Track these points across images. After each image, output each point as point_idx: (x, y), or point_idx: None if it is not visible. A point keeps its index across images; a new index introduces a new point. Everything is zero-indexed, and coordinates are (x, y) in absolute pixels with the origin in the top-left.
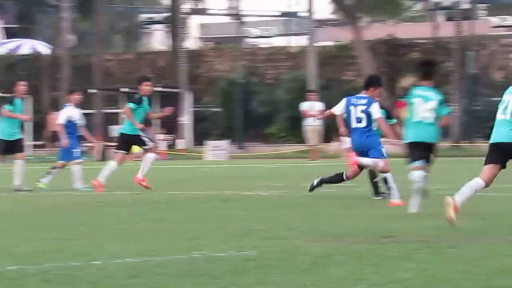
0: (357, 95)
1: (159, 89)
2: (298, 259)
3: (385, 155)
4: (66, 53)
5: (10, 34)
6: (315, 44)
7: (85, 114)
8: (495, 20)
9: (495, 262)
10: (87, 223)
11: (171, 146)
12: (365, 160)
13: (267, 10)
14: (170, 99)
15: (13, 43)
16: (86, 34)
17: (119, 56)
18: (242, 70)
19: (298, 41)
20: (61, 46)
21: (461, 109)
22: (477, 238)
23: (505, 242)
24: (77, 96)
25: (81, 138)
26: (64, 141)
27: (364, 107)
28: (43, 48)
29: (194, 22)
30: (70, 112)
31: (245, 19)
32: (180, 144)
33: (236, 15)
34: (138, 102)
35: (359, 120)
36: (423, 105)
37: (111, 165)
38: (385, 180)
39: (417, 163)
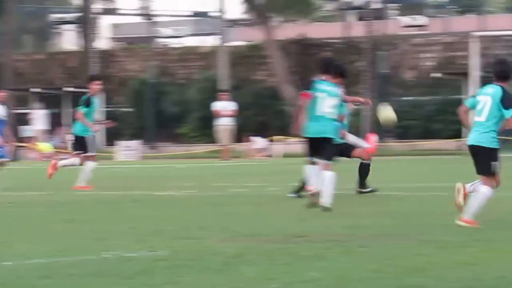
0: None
1: (71, 89)
2: (209, 259)
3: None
4: None
5: None
6: (227, 44)
7: None
8: (406, 19)
9: (406, 261)
10: None
11: None
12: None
13: (178, 10)
14: None
15: None
16: None
17: (30, 56)
18: (154, 70)
19: (209, 41)
20: None
21: (372, 109)
22: (388, 237)
23: (416, 241)
24: (2, 94)
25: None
26: None
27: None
28: None
29: (105, 22)
30: None
31: (156, 19)
32: None
33: (148, 15)
34: (88, 104)
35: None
36: (326, 101)
37: (89, 166)
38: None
39: (315, 159)
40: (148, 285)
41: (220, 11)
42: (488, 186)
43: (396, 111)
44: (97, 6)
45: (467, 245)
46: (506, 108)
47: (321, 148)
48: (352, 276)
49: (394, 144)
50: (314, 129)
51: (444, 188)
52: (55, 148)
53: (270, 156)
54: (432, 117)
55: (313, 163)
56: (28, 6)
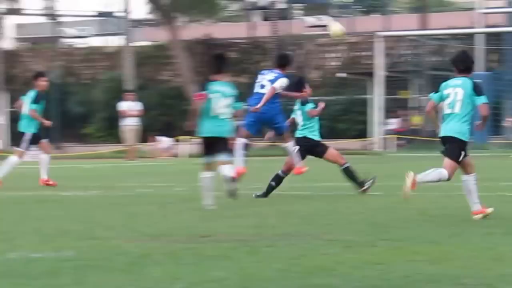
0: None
1: None
2: (115, 259)
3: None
4: None
5: None
6: (132, 44)
7: None
8: (311, 20)
9: (312, 260)
10: None
11: None
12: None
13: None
14: None
15: None
16: None
17: None
18: (59, 70)
19: (114, 41)
20: None
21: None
22: (294, 237)
23: (322, 241)
24: None
25: None
26: None
27: (272, 77)
28: None
29: (9, 22)
30: None
31: (61, 19)
32: None
33: (52, 15)
34: (38, 100)
35: (262, 87)
36: (220, 101)
37: (44, 159)
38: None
39: (208, 160)
40: (54, 285)
41: (125, 11)
42: (448, 171)
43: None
44: (1, 6)
45: (373, 244)
46: (478, 95)
47: (217, 148)
48: (258, 276)
49: None
50: (209, 129)
51: (349, 188)
52: None
53: (175, 156)
54: (338, 117)
55: (209, 168)
56: None
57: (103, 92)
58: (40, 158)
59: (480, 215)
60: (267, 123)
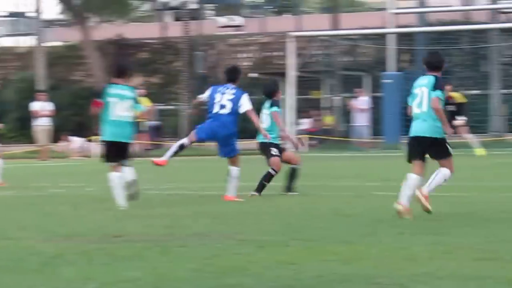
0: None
1: None
2: (28, 260)
3: (238, 150)
4: None
5: None
6: (44, 44)
7: None
8: (223, 20)
9: (225, 260)
10: None
11: None
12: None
13: None
14: None
15: None
16: None
17: None
18: None
19: (26, 42)
20: None
21: (190, 108)
22: (207, 237)
23: (235, 241)
24: None
25: None
26: None
27: (232, 96)
28: None
29: None
30: None
31: None
32: None
33: None
34: None
35: (222, 107)
36: (119, 104)
37: None
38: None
39: (114, 163)
40: None
41: (37, 11)
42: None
43: None
44: None
45: (286, 244)
46: (434, 90)
47: (119, 152)
48: (171, 276)
49: (213, 144)
50: (110, 133)
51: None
52: None
53: (88, 156)
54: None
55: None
56: None
57: (15, 92)
58: None
59: (423, 200)
60: (220, 141)
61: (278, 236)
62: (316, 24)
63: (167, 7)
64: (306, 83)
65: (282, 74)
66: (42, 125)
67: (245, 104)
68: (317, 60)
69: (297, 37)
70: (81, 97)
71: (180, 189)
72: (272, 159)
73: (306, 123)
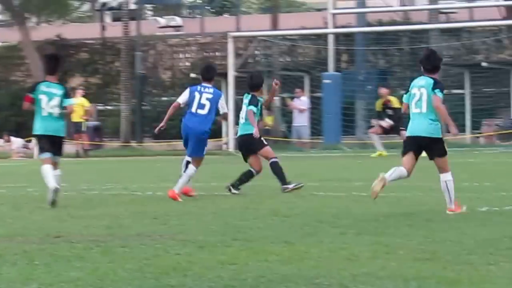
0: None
1: None
2: None
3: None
4: None
5: None
6: None
7: None
8: (162, 20)
9: (166, 261)
10: None
11: None
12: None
13: None
14: None
15: None
16: None
17: None
18: None
19: None
20: None
21: (130, 109)
22: (148, 237)
23: (176, 241)
24: None
25: None
26: None
27: (210, 96)
28: None
29: None
30: None
31: None
32: None
33: None
34: None
35: (201, 107)
36: (49, 101)
37: None
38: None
39: (45, 155)
40: None
41: None
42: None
43: (152, 111)
44: None
45: (226, 244)
46: (433, 90)
47: (52, 146)
48: (112, 276)
49: (153, 144)
50: (40, 127)
51: (202, 188)
52: None
53: (28, 156)
54: None
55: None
56: None
57: None
58: None
59: (453, 212)
60: (193, 139)
61: (218, 236)
62: (256, 24)
63: (106, 8)
64: (246, 83)
65: (223, 75)
66: None
67: (224, 107)
68: (257, 61)
69: (237, 37)
70: (21, 97)
71: (121, 189)
72: (265, 148)
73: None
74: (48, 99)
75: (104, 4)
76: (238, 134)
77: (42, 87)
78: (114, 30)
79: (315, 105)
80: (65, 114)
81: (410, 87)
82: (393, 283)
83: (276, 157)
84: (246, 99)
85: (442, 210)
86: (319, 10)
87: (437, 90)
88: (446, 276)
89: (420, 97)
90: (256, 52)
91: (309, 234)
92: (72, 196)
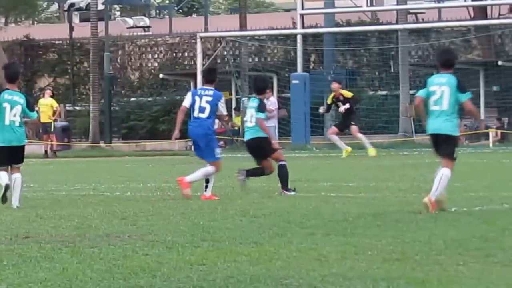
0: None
1: None
2: None
3: (218, 155)
4: None
5: None
6: None
7: None
8: (131, 21)
9: (134, 261)
10: None
11: None
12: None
13: None
14: None
15: None
16: None
17: None
18: None
19: None
20: None
21: (99, 109)
22: (116, 238)
23: (144, 242)
24: None
25: None
26: None
27: (209, 98)
28: None
29: None
30: None
31: None
32: None
33: None
34: None
35: (201, 110)
36: (11, 110)
37: None
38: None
39: (4, 166)
40: None
41: None
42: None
43: (121, 111)
44: None
45: (195, 245)
46: (462, 92)
47: (11, 157)
48: (81, 277)
49: (122, 145)
50: (6, 140)
51: (170, 189)
52: None
53: None
54: (158, 117)
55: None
56: None
57: None
58: None
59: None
60: (199, 143)
61: (187, 237)
62: (224, 25)
63: (74, 8)
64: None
65: (191, 75)
66: None
67: (223, 109)
68: (226, 61)
69: (205, 37)
70: None
71: (89, 190)
72: (277, 152)
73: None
74: (11, 108)
75: (72, 5)
76: (247, 138)
77: (6, 95)
78: (83, 31)
79: (283, 105)
80: (32, 124)
81: (428, 84)
82: (362, 283)
83: (285, 160)
84: (253, 102)
85: (411, 211)
86: (287, 10)
87: (467, 94)
88: (415, 277)
89: (441, 95)
90: (225, 52)
91: (278, 234)
92: (41, 197)
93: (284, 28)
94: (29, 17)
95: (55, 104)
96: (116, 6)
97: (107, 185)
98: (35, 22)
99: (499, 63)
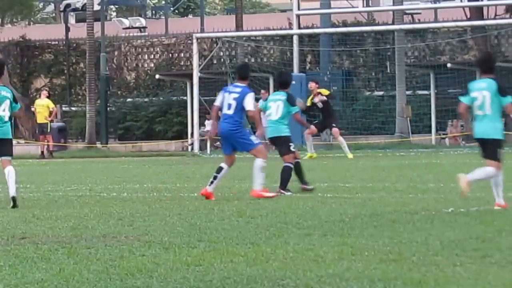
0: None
1: None
2: None
3: (255, 142)
4: None
5: None
6: None
7: None
8: (127, 21)
9: (131, 262)
10: None
11: None
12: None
13: None
14: None
15: None
16: None
17: None
18: None
19: None
20: None
21: (95, 110)
22: (113, 238)
23: (140, 242)
24: None
25: None
26: None
27: (236, 95)
28: None
29: None
30: None
31: None
32: None
33: None
34: None
35: (228, 107)
36: (0, 105)
37: None
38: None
39: None
40: None
41: None
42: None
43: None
44: None
45: (192, 246)
46: (503, 96)
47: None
48: (77, 278)
49: (118, 146)
50: None
51: (167, 190)
52: None
53: None
54: (154, 118)
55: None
56: None
57: None
58: None
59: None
60: (227, 139)
61: (184, 237)
62: (220, 25)
63: (70, 9)
64: (211, 85)
65: (187, 76)
66: None
67: (249, 104)
68: (222, 62)
69: (202, 38)
70: None
71: (86, 190)
72: (288, 156)
73: (210, 125)
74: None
75: (68, 5)
76: (270, 136)
77: None
78: (79, 31)
79: None
80: (15, 116)
81: (469, 90)
82: (359, 284)
83: (293, 164)
84: (279, 95)
85: (408, 212)
86: (283, 11)
87: (508, 97)
88: (412, 277)
89: (483, 100)
90: (221, 53)
91: (274, 235)
92: (37, 197)
93: (280, 29)
94: (25, 18)
95: (51, 105)
96: (112, 6)
97: (103, 186)
98: (31, 23)
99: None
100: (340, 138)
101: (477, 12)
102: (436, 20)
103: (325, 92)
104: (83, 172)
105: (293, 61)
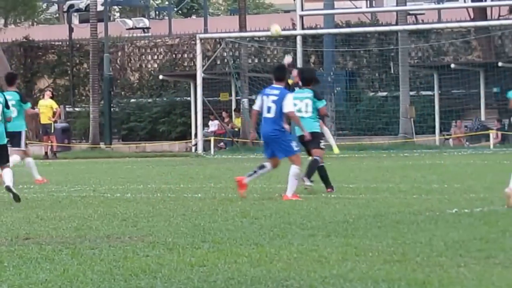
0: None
1: None
2: None
3: (295, 148)
4: None
5: None
6: None
7: None
8: (130, 22)
9: (135, 262)
10: None
11: None
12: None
13: None
14: None
15: None
16: None
17: None
18: None
19: None
20: None
21: (99, 111)
22: (117, 239)
23: (144, 243)
24: None
25: None
26: None
27: (275, 98)
28: None
29: None
30: None
31: None
32: None
33: None
34: None
35: (268, 110)
36: None
37: None
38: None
39: None
40: None
41: None
42: None
43: (121, 113)
44: None
45: (196, 246)
46: None
47: None
48: (81, 278)
49: (122, 146)
50: None
51: (171, 190)
52: None
53: None
54: (158, 119)
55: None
56: None
57: None
58: None
59: None
60: (269, 143)
61: (188, 238)
62: (224, 26)
63: (74, 9)
64: (215, 85)
65: (191, 76)
66: None
67: (288, 105)
68: (225, 62)
69: (205, 39)
70: None
71: (90, 191)
72: (318, 150)
73: (214, 125)
74: None
75: (71, 6)
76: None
77: None
78: (82, 32)
79: None
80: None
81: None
82: (363, 285)
83: (321, 158)
84: (305, 93)
85: (412, 212)
86: (287, 11)
87: None
88: (416, 278)
89: None
90: (224, 54)
91: (278, 236)
92: (41, 198)
93: (284, 29)
94: (28, 18)
95: (55, 105)
96: (115, 7)
97: (107, 186)
98: (35, 23)
99: (499, 64)
100: (325, 128)
101: (481, 13)
102: (439, 21)
103: None
104: (86, 173)
105: (296, 62)
